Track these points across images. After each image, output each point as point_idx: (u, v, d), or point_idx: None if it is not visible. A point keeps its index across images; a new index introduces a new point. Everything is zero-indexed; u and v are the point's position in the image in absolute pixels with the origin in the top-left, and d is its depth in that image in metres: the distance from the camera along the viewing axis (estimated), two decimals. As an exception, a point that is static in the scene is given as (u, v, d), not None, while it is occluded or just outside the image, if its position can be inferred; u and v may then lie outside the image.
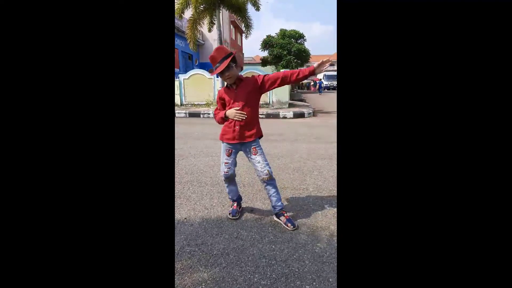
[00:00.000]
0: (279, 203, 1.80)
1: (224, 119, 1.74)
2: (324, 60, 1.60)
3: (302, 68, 1.76)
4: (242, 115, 1.68)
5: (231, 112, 1.69)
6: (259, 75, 1.78)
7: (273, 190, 1.79)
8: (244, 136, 1.74)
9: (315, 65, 1.61)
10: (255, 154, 1.77)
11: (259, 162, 1.75)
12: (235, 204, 1.94)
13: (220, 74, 1.67)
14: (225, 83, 1.77)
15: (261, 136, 1.82)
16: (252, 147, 1.77)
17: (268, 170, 1.75)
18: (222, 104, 1.80)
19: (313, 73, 1.63)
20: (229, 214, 1.89)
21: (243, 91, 1.72)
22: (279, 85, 1.72)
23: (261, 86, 1.73)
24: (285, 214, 1.79)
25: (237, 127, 1.72)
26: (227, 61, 1.60)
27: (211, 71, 1.71)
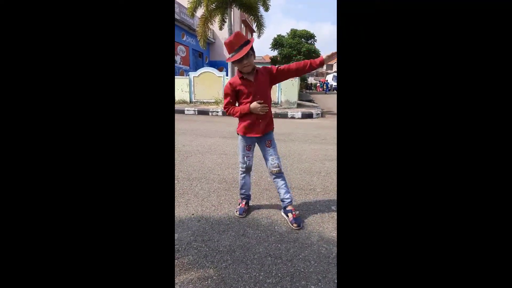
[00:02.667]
0: (287, 196, 1.80)
1: (250, 112, 1.70)
2: (334, 51, 1.60)
3: (312, 59, 1.82)
4: (264, 108, 1.68)
5: (255, 106, 1.67)
6: (271, 66, 1.78)
7: (282, 182, 1.80)
8: (268, 128, 1.78)
9: (324, 56, 1.63)
10: (269, 147, 1.81)
11: (271, 155, 1.79)
12: (243, 203, 1.95)
13: (238, 62, 1.58)
14: (237, 75, 1.70)
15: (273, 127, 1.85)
16: (268, 139, 1.80)
17: (277, 163, 1.79)
18: (235, 97, 1.74)
19: (323, 63, 1.64)
20: (236, 212, 1.90)
21: (262, 83, 1.69)
22: (292, 76, 1.75)
23: (275, 77, 1.73)
24: (293, 212, 1.78)
25: (261, 121, 1.73)
26: (247, 48, 1.54)
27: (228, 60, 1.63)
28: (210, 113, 8.03)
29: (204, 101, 9.92)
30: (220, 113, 7.90)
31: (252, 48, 1.61)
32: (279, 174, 1.80)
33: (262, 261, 1.40)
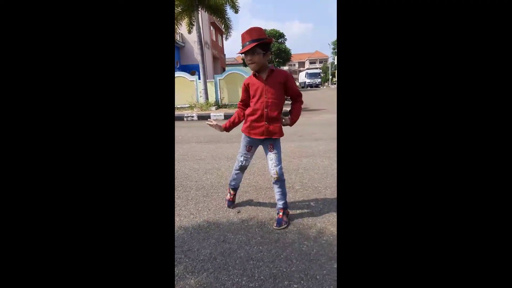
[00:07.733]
0: (281, 202, 1.80)
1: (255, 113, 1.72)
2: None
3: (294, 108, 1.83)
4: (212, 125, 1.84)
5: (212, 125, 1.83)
6: (290, 73, 1.78)
7: (278, 189, 1.79)
8: (271, 133, 1.72)
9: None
10: (271, 151, 1.77)
11: (271, 160, 1.75)
12: (229, 194, 2.04)
13: (244, 56, 1.63)
14: (252, 72, 1.73)
15: (282, 135, 1.77)
16: (270, 143, 1.76)
17: (276, 171, 1.74)
18: (247, 96, 1.76)
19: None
20: (225, 204, 2.06)
21: (274, 84, 1.67)
22: (288, 95, 1.81)
23: (287, 87, 1.73)
24: (280, 213, 1.78)
25: (266, 123, 1.70)
26: (252, 45, 1.54)
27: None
28: (185, 118, 7.87)
29: (178, 106, 9.71)
30: (195, 118, 7.76)
31: (264, 48, 1.60)
32: (277, 182, 1.77)
33: (244, 266, 1.38)
